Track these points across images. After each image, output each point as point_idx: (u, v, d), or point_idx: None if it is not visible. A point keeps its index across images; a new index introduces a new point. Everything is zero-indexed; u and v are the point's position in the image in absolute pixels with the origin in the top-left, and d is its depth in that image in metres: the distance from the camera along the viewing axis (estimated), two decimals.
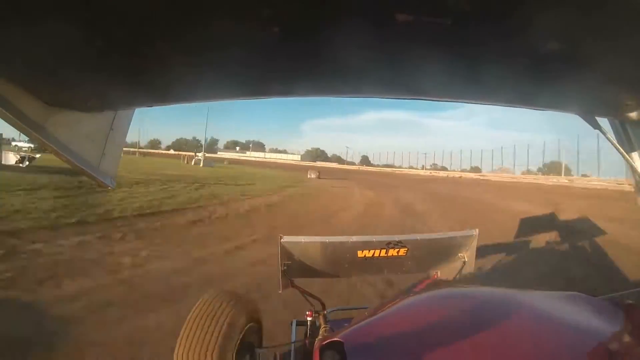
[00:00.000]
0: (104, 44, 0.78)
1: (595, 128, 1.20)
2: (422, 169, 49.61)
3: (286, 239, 1.43)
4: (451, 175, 37.69)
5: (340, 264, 1.54)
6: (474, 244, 1.64)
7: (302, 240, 1.46)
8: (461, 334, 0.76)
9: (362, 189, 16.85)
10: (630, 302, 1.16)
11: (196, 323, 1.12)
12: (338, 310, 1.87)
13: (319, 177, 23.87)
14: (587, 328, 0.80)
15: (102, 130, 1.24)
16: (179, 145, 62.29)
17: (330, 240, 1.47)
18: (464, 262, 1.65)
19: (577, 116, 1.21)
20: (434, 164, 50.67)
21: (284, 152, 64.23)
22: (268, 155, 62.18)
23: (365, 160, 57.67)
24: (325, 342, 0.80)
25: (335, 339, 0.79)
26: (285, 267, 1.46)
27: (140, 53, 0.84)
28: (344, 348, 0.75)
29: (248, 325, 1.22)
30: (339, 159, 58.28)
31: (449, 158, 49.37)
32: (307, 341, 1.42)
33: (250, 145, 67.62)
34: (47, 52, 0.80)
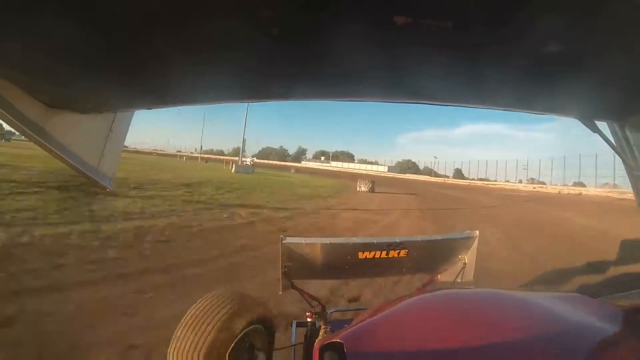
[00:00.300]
0: (104, 46, 0.78)
1: (594, 132, 1.20)
2: (520, 182, 40.21)
3: (287, 240, 1.43)
4: (564, 192, 28.22)
5: (341, 265, 1.54)
6: (475, 246, 1.64)
7: (303, 241, 1.47)
8: (461, 335, 0.75)
9: (412, 219, 9.24)
10: (630, 303, 1.16)
11: (191, 321, 1.12)
12: (338, 311, 1.87)
13: (371, 191, 17.82)
14: (587, 329, 0.80)
15: (102, 131, 1.24)
16: (266, 154, 67.48)
17: (331, 242, 1.48)
18: (465, 264, 1.65)
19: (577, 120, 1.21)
20: (531, 178, 42.10)
21: (375, 163, 61.99)
22: (355, 165, 60.50)
23: (458, 173, 52.65)
24: (325, 343, 0.80)
25: (336, 340, 0.79)
26: (285, 269, 1.46)
27: (140, 56, 0.84)
28: (344, 349, 0.74)
29: (251, 327, 1.21)
30: (430, 171, 54.08)
31: (539, 170, 41.04)
32: (307, 342, 1.41)
33: (331, 155, 68.59)
34: (47, 54, 0.80)
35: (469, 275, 1.68)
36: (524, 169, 42.83)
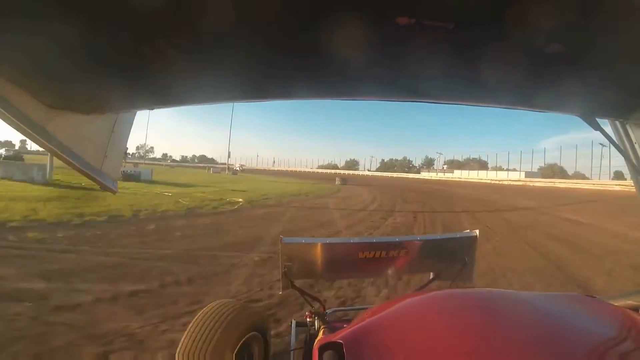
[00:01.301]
0: (105, 47, 0.78)
1: (595, 129, 1.20)
2: None
3: (287, 240, 1.43)
4: None
5: (341, 265, 1.55)
6: (475, 246, 1.63)
7: (303, 241, 1.47)
8: (461, 335, 0.75)
9: None
10: (630, 303, 1.16)
11: (197, 329, 1.17)
12: (338, 311, 1.87)
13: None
14: (586, 329, 0.80)
15: (104, 132, 1.24)
16: (388, 166, 78.03)
17: (331, 242, 1.48)
18: (465, 263, 1.65)
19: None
20: None
21: (513, 170, 56.46)
22: (482, 174, 56.00)
23: (619, 176, 45.53)
24: (325, 342, 0.80)
25: (335, 339, 0.79)
26: (285, 269, 1.46)
27: (141, 56, 0.84)
28: (343, 349, 0.74)
29: (249, 334, 1.25)
30: (582, 176, 49.78)
31: None
32: (306, 342, 1.42)
33: (444, 163, 66.70)
34: (49, 55, 0.80)
35: (469, 275, 1.67)
36: None
